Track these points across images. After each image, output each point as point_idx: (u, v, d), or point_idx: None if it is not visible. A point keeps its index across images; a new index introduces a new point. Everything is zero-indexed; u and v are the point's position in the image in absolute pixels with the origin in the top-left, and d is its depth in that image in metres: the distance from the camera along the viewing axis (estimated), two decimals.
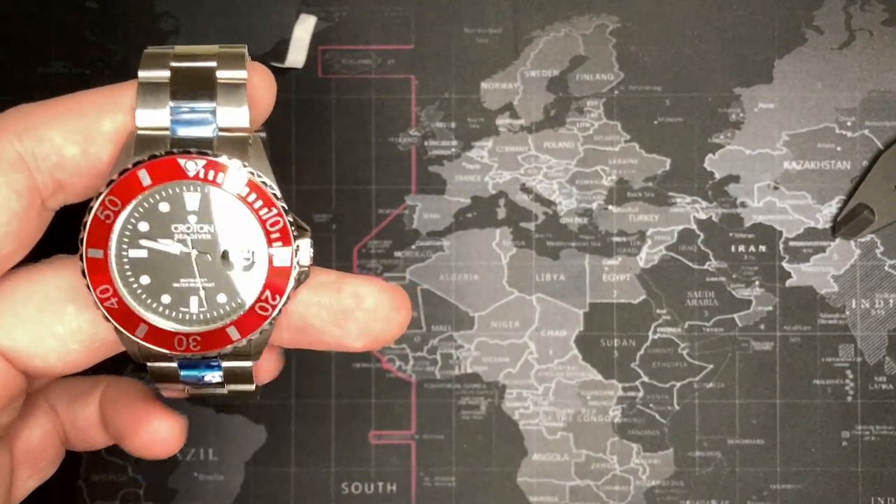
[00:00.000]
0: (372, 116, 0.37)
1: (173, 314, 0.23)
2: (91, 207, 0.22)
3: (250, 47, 0.37)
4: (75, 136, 0.22)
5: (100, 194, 0.22)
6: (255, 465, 0.37)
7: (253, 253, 0.23)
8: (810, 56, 0.37)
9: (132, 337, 0.23)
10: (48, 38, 0.37)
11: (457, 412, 0.37)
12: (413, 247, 0.37)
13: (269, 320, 0.23)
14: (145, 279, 0.23)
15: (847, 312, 0.37)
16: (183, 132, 0.23)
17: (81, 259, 0.23)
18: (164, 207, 0.23)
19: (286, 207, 0.23)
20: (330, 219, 0.37)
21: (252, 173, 0.23)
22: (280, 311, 0.23)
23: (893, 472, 0.37)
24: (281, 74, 0.37)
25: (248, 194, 0.23)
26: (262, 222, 0.23)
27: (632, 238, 0.37)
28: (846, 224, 0.36)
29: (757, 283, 0.37)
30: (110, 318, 0.23)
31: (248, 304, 0.23)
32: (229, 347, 0.23)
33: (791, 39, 0.37)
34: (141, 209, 0.23)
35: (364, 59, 0.37)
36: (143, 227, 0.23)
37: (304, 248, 0.23)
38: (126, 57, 0.37)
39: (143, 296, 0.23)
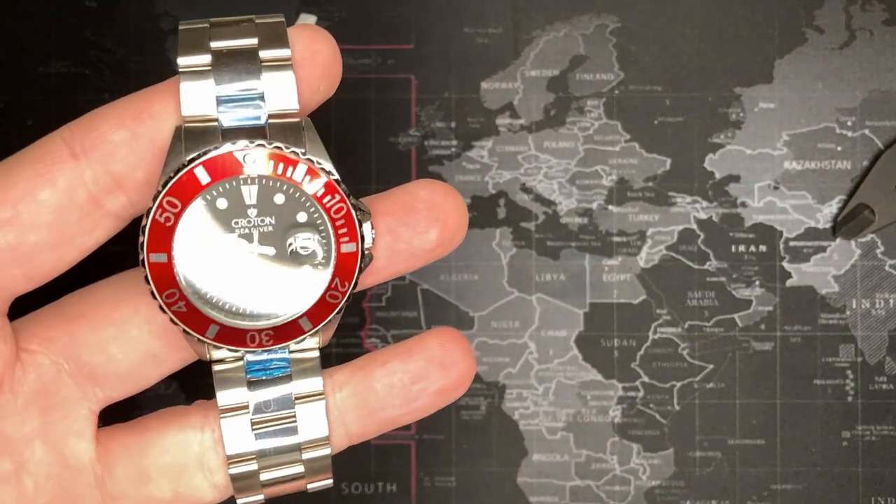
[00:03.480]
0: (372, 116, 0.37)
1: (242, 310, 0.23)
2: (149, 210, 0.22)
3: None
4: (124, 119, 0.22)
5: (157, 195, 0.22)
6: None
7: (319, 241, 0.22)
8: (811, 56, 0.37)
9: (203, 339, 0.22)
10: (48, 38, 0.37)
11: (457, 412, 0.37)
12: None
13: (338, 308, 0.23)
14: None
15: (847, 312, 0.37)
16: (232, 121, 0.22)
17: (143, 265, 0.22)
18: (222, 204, 0.22)
19: (348, 191, 0.22)
20: None
21: (311, 160, 0.22)
22: (350, 297, 0.23)
23: (894, 473, 0.37)
24: None
25: (309, 182, 0.22)
26: (327, 210, 0.22)
27: (632, 238, 0.37)
28: (846, 224, 0.36)
29: (757, 283, 0.37)
30: (178, 322, 0.22)
31: (319, 293, 0.23)
32: (302, 338, 0.23)
33: (791, 39, 0.37)
34: (200, 208, 0.22)
35: (364, 59, 0.37)
36: (204, 225, 0.22)
37: (367, 231, 0.23)
38: (126, 56, 0.37)
39: (210, 296, 0.22)
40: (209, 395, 0.24)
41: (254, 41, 0.22)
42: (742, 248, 0.37)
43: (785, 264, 0.37)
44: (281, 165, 0.22)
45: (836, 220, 0.37)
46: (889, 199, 0.36)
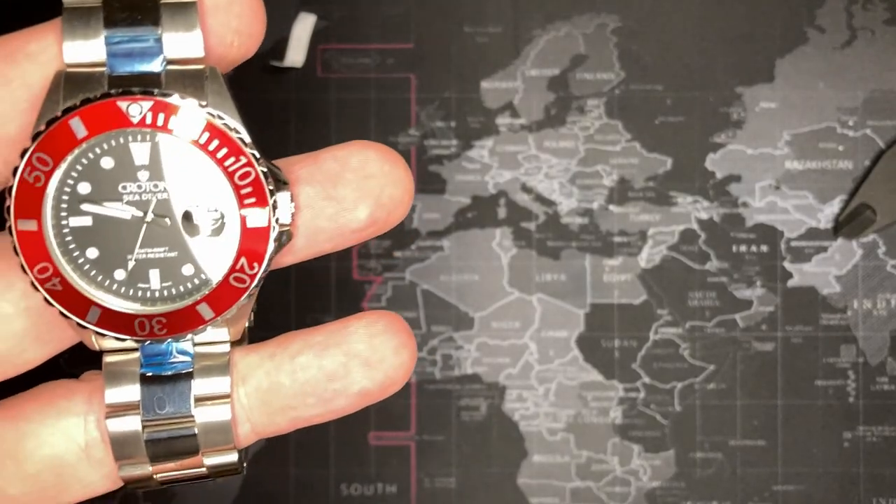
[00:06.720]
0: (371, 116, 0.37)
1: (131, 292, 0.19)
2: (16, 168, 0.19)
3: None
4: None
5: (25, 151, 0.18)
6: (254, 466, 0.37)
7: (221, 213, 0.19)
8: (812, 55, 0.37)
9: (83, 323, 0.19)
10: None
11: (457, 413, 0.37)
12: (413, 247, 0.37)
13: (247, 293, 0.20)
14: (93, 252, 0.19)
15: (849, 313, 0.37)
16: (123, 68, 0.19)
17: (11, 232, 0.19)
18: (107, 163, 0.19)
19: (258, 155, 0.19)
20: None
21: (211, 115, 0.19)
22: (261, 281, 0.19)
23: (895, 473, 0.36)
24: (280, 74, 0.37)
25: (208, 141, 0.19)
26: (230, 175, 0.19)
27: (633, 238, 0.37)
28: (848, 224, 0.36)
29: (758, 283, 0.37)
30: (53, 303, 0.19)
31: (221, 275, 0.19)
32: (202, 328, 0.20)
33: (793, 38, 0.37)
34: (79, 167, 0.19)
35: (363, 59, 0.37)
36: (84, 188, 0.19)
37: (284, 204, 0.19)
38: None
39: (93, 272, 0.19)
40: None
41: None
42: (743, 248, 0.37)
43: (786, 264, 0.37)
44: (173, 118, 0.18)
45: (838, 220, 0.37)
46: (891, 199, 0.36)
